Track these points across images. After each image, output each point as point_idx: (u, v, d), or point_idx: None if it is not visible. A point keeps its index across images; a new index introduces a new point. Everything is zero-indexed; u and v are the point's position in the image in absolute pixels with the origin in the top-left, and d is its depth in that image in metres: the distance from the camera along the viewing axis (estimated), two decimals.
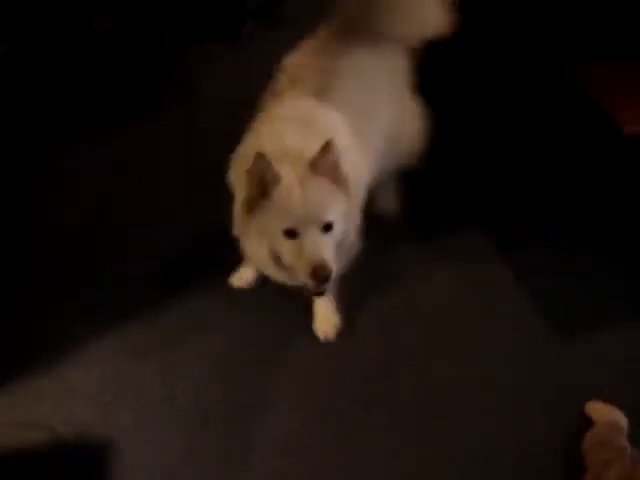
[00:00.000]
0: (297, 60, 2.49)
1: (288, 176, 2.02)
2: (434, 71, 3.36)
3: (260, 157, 1.97)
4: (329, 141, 2.00)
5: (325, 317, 2.66)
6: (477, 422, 2.43)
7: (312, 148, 2.05)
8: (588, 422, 2.33)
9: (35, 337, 2.74)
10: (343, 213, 2.10)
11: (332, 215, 2.04)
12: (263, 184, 2.01)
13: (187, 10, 4.25)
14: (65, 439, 2.45)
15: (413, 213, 3.12)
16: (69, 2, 3.81)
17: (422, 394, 2.51)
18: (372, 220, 2.48)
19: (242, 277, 2.81)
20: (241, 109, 2.50)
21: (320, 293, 2.18)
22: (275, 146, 2.11)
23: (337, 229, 2.08)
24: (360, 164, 2.32)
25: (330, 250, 2.04)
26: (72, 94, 3.89)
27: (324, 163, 2.02)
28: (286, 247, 2.04)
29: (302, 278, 2.02)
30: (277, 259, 2.12)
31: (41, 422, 2.48)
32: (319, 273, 1.97)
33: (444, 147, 3.09)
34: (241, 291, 2.81)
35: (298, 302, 2.60)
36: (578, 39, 2.97)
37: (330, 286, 2.09)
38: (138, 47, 4.09)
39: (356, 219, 2.24)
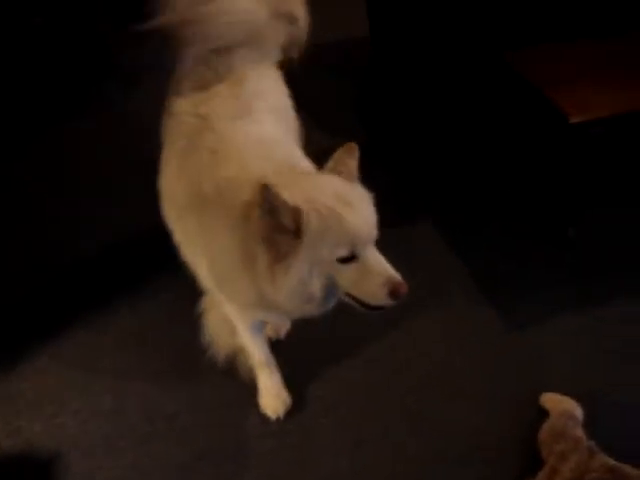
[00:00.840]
0: (197, 100, 2.20)
1: (320, 196, 1.73)
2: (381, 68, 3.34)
3: (265, 189, 1.64)
4: (352, 144, 1.82)
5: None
6: (433, 418, 2.39)
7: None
8: (544, 414, 2.30)
9: None
10: None
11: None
12: (284, 220, 1.67)
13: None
14: (10, 453, 2.36)
15: None
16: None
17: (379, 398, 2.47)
18: None
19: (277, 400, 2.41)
20: None
21: (382, 308, 1.83)
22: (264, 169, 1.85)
23: None
24: None
25: None
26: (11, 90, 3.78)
27: (351, 166, 1.81)
28: (345, 274, 1.75)
29: (376, 300, 1.77)
30: (328, 293, 1.81)
31: None
32: (401, 290, 1.73)
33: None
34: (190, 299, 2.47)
35: None
36: (511, 25, 2.96)
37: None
38: (78, 42, 3.97)
39: None
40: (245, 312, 2.18)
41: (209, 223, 1.91)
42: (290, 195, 1.67)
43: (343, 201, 1.72)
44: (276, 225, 1.67)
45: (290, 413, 2.38)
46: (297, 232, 1.68)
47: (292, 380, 2.44)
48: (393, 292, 1.73)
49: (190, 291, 2.36)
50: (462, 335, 2.64)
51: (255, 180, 1.73)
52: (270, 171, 1.80)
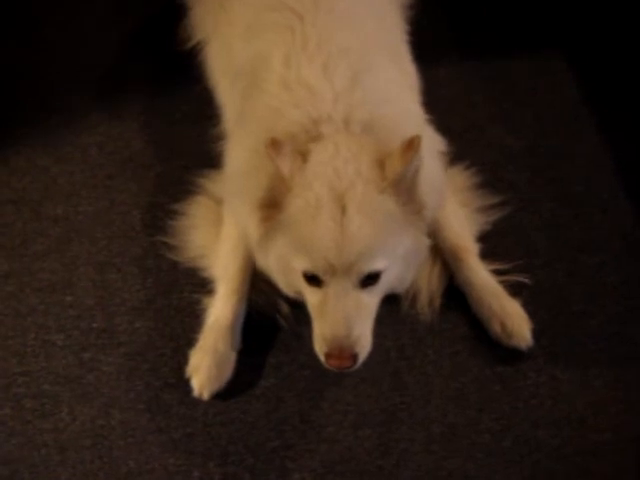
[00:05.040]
0: None
1: (321, 181, 1.33)
2: None
3: (275, 146, 1.29)
4: (415, 138, 1.27)
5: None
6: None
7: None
8: None
9: None
10: (405, 251, 1.39)
11: (384, 261, 1.34)
12: (282, 187, 1.35)
13: None
14: None
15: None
16: None
17: None
18: None
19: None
20: None
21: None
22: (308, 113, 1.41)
23: (389, 275, 1.38)
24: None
25: (367, 317, 1.37)
26: None
27: (399, 175, 1.30)
28: (308, 295, 1.40)
29: (318, 352, 1.39)
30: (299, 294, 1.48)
31: None
32: (334, 364, 1.36)
33: None
34: None
35: None
36: None
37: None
38: None
39: (424, 251, 1.47)
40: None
41: (251, 125, 1.49)
42: (294, 165, 1.32)
43: (337, 203, 1.31)
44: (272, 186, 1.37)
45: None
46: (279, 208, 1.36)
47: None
48: (328, 354, 1.36)
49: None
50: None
51: (295, 120, 1.40)
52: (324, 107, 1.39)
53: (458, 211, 1.67)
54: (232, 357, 1.56)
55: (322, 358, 1.37)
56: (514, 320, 1.57)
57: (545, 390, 1.57)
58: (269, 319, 1.64)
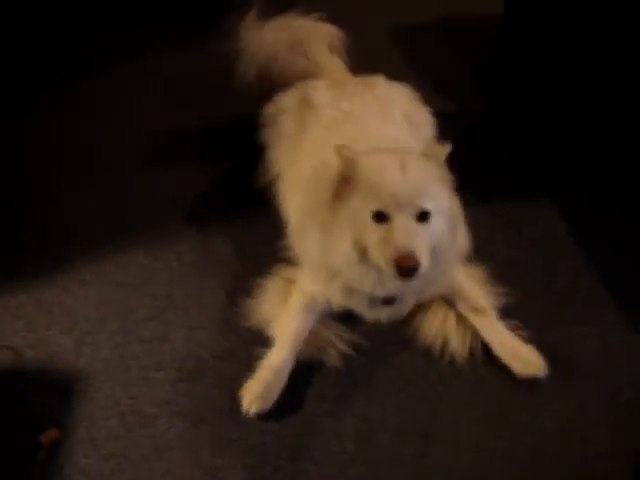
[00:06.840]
0: (335, 96, 2.33)
1: (384, 156, 1.85)
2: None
3: (342, 149, 1.85)
4: (446, 145, 1.89)
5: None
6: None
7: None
8: None
9: (18, 250, 2.40)
10: (445, 212, 1.84)
11: (431, 203, 1.79)
12: (346, 171, 1.85)
13: None
14: (31, 365, 2.07)
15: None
16: None
17: None
18: None
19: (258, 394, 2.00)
20: None
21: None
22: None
23: (435, 225, 1.81)
24: None
25: (422, 242, 1.76)
26: None
27: (434, 156, 1.87)
28: (373, 233, 1.78)
29: (385, 267, 1.75)
30: (362, 254, 1.83)
31: (5, 342, 2.12)
32: (404, 263, 1.70)
33: None
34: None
35: None
36: None
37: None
38: None
39: (461, 234, 1.97)
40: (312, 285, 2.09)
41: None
42: (358, 153, 1.86)
43: (398, 163, 1.79)
44: (343, 179, 1.85)
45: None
46: (352, 180, 1.83)
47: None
48: (397, 261, 1.71)
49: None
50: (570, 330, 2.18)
51: None
52: None
53: (475, 287, 2.14)
54: (276, 388, 1.97)
55: (391, 271, 1.72)
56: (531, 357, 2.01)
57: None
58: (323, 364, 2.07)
